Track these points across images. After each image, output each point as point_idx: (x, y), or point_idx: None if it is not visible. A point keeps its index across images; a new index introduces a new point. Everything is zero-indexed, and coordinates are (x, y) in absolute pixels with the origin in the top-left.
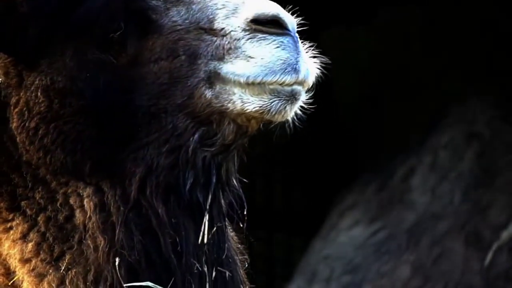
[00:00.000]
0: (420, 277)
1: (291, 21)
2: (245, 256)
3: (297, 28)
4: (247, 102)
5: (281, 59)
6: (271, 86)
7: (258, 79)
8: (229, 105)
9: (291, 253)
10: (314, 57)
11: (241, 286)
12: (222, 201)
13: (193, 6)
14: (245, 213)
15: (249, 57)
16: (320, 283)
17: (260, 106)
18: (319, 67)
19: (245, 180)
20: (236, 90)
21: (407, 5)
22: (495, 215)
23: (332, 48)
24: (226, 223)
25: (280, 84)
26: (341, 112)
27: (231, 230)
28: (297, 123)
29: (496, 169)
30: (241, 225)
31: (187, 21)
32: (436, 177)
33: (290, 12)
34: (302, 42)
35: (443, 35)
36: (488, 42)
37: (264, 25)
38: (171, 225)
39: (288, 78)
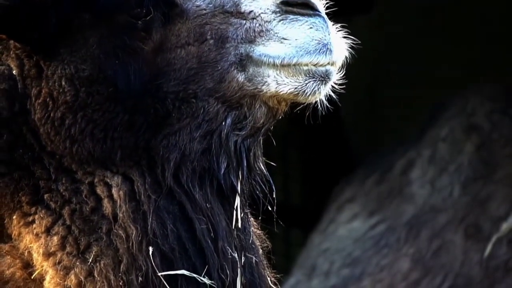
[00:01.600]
0: (420, 270)
1: (320, 3)
2: (266, 242)
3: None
4: (282, 83)
5: (316, 40)
6: (305, 67)
7: (294, 60)
8: (263, 87)
9: (289, 246)
10: (344, 37)
11: (265, 271)
12: (248, 187)
13: None
14: (274, 197)
15: (283, 38)
16: (320, 277)
17: (296, 88)
18: (348, 48)
19: (273, 163)
20: (271, 72)
21: None
22: (494, 207)
23: None
24: (247, 208)
25: (315, 65)
26: (340, 103)
27: (250, 216)
28: (325, 104)
29: (495, 161)
30: (270, 210)
31: (210, 5)
32: (435, 170)
33: None
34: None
35: (443, 27)
36: (489, 34)
37: (294, 6)
38: (206, 210)
39: (323, 58)
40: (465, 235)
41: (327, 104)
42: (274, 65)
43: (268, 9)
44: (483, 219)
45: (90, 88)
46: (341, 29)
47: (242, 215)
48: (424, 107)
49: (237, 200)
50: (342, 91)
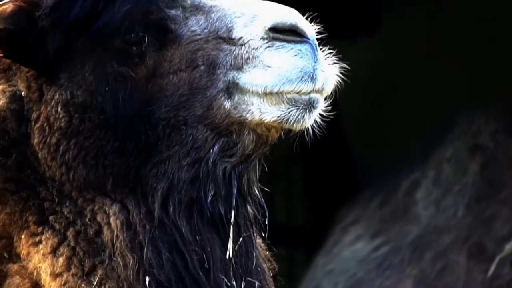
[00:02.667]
0: None
1: (310, 29)
2: (273, 263)
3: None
4: (265, 112)
5: (298, 67)
6: (288, 95)
7: (276, 89)
8: (248, 115)
9: (293, 267)
10: (334, 63)
11: None
12: (249, 210)
13: (212, 15)
14: (266, 222)
15: (267, 66)
16: None
17: (278, 116)
18: (338, 74)
19: (266, 189)
20: (255, 100)
21: (411, 17)
22: (498, 227)
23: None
24: (254, 231)
25: (297, 93)
26: (345, 124)
27: (258, 237)
28: (316, 131)
29: (500, 181)
30: (263, 235)
31: (206, 30)
32: (440, 191)
33: (309, 19)
34: (321, 49)
35: (448, 47)
36: (493, 54)
37: (282, 33)
38: (196, 242)
39: (305, 87)
40: (469, 255)
41: (331, 124)
42: (258, 93)
43: (257, 35)
44: (487, 239)
45: (83, 114)
46: (330, 54)
47: (241, 240)
48: (429, 126)
49: (231, 230)
50: (346, 111)
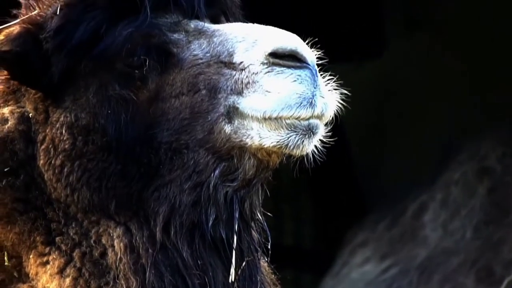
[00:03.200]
0: None
1: (310, 54)
2: (279, 287)
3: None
4: (264, 137)
5: (297, 93)
6: (288, 121)
7: (275, 114)
8: (247, 140)
9: None
10: (335, 89)
11: None
12: (253, 234)
13: (215, 39)
14: (269, 247)
15: (266, 91)
16: None
17: (278, 141)
18: (338, 99)
19: (270, 214)
20: (254, 125)
21: (417, 38)
22: (506, 250)
23: (341, 84)
24: (259, 255)
25: (297, 118)
26: (351, 147)
27: (263, 261)
28: (317, 156)
29: (507, 205)
30: (266, 259)
31: (208, 54)
32: (447, 213)
33: (310, 44)
34: (321, 75)
35: (454, 69)
36: (500, 76)
37: (282, 58)
38: (198, 266)
39: (303, 112)
40: (477, 278)
41: (338, 147)
42: (257, 118)
43: (257, 60)
44: (495, 262)
45: (87, 137)
46: (331, 80)
47: (245, 264)
48: (436, 149)
49: (233, 254)
50: (352, 134)
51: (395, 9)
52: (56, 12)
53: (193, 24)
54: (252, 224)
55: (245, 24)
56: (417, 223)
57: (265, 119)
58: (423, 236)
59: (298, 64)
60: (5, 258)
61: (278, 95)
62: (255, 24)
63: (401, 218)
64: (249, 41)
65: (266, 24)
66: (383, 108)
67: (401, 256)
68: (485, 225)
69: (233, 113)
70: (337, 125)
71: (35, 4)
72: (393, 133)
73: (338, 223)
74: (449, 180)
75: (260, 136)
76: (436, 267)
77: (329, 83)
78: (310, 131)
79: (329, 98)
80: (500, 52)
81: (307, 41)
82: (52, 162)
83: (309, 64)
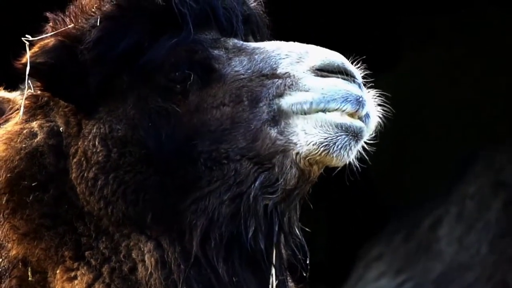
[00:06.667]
0: None
1: (356, 71)
2: None
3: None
4: (310, 133)
5: (344, 89)
6: (337, 120)
7: (320, 106)
8: (293, 137)
9: None
10: (378, 105)
11: None
12: (283, 251)
13: (256, 56)
14: (307, 263)
15: (310, 88)
16: None
17: (325, 138)
18: (380, 115)
19: (307, 229)
20: (299, 121)
21: (432, 50)
22: None
23: None
24: (287, 275)
25: (343, 111)
26: (366, 159)
27: (290, 280)
28: (355, 168)
29: None
30: (304, 276)
31: (249, 70)
32: (463, 227)
33: (351, 61)
34: (368, 92)
35: (469, 82)
36: None
37: (331, 73)
38: (232, 283)
39: (349, 107)
40: None
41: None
42: (301, 112)
43: (304, 72)
44: (510, 276)
45: (123, 149)
46: (377, 97)
47: (277, 282)
48: (451, 162)
49: (272, 271)
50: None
51: (409, 22)
52: (96, 24)
53: (231, 41)
54: (289, 239)
55: (284, 42)
56: (432, 236)
57: (310, 113)
58: (438, 250)
59: (348, 78)
60: (29, 274)
61: (322, 90)
62: (295, 42)
63: (416, 231)
64: (293, 57)
65: (284, 39)
66: (399, 121)
67: (416, 271)
68: (501, 239)
69: (278, 115)
70: None
71: (65, 18)
72: (408, 146)
73: (353, 236)
74: (464, 194)
75: (306, 132)
76: (452, 282)
77: (374, 98)
78: (359, 134)
79: (374, 110)
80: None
81: (350, 59)
82: (85, 175)
83: (357, 79)
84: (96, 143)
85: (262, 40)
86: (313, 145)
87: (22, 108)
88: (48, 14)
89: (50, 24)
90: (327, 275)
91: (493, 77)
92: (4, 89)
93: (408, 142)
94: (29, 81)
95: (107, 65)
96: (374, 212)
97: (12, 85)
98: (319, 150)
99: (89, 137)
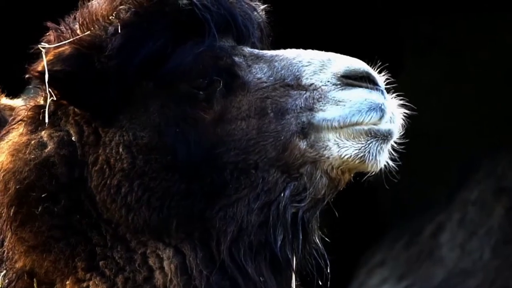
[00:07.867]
0: None
1: (380, 78)
2: None
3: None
4: (343, 146)
5: (369, 100)
6: (366, 127)
7: (348, 121)
8: (325, 152)
9: None
10: (400, 106)
11: None
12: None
13: (276, 64)
14: (328, 271)
15: (338, 101)
16: None
17: (359, 149)
18: (403, 118)
19: (327, 239)
20: (331, 135)
21: (434, 56)
22: None
23: None
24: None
25: (367, 123)
26: None
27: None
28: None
29: None
30: (324, 285)
31: (271, 78)
32: (465, 233)
33: (377, 70)
34: (391, 99)
35: (471, 90)
36: None
37: (355, 80)
38: (260, 283)
39: (373, 115)
40: None
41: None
42: (332, 128)
43: (328, 81)
44: None
45: (149, 155)
46: (401, 104)
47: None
48: (453, 168)
49: (293, 276)
50: None
51: (412, 30)
52: (117, 31)
53: (246, 49)
54: (309, 247)
55: (301, 50)
56: (434, 243)
57: (341, 127)
58: (440, 256)
59: (371, 85)
60: (34, 285)
61: (349, 102)
62: (315, 50)
63: (418, 237)
64: (316, 65)
65: (284, 46)
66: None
67: (419, 277)
68: (503, 245)
69: (308, 128)
70: None
71: (73, 26)
72: (410, 153)
73: (355, 243)
74: (466, 200)
75: (339, 146)
76: None
77: (398, 105)
78: (389, 135)
79: (397, 114)
80: None
81: (372, 66)
82: (108, 182)
83: (380, 86)
84: (120, 150)
85: (264, 48)
86: (348, 157)
87: (46, 115)
88: (49, 23)
89: (55, 32)
90: (330, 282)
91: (495, 83)
92: (5, 96)
93: (409, 148)
94: (50, 89)
95: (130, 73)
96: (376, 218)
97: (14, 93)
98: (354, 161)
99: (111, 145)
